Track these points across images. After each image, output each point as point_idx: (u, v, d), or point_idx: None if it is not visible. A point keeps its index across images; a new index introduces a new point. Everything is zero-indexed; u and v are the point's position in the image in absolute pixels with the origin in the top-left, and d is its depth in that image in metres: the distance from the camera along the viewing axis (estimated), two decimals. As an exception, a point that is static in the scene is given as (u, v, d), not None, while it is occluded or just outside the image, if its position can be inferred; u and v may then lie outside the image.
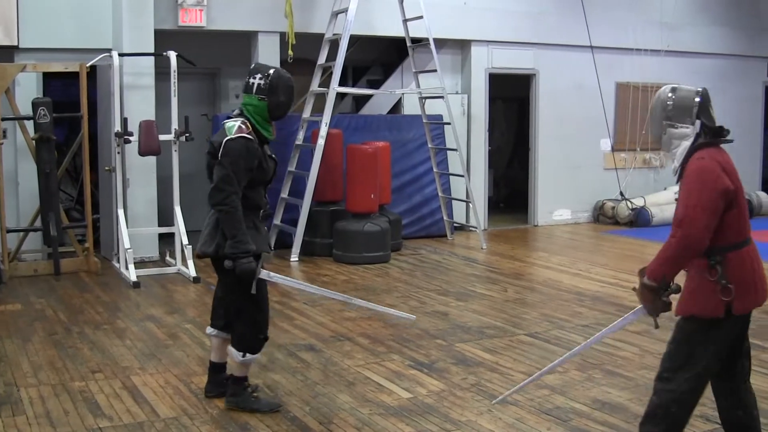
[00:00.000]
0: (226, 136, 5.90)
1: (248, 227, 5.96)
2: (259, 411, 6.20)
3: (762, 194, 18.21)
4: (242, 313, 6.18)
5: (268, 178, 6.27)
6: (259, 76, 6.04)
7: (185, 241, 11.10)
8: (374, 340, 8.19)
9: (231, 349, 6.25)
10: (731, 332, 4.76)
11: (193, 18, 12.58)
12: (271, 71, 6.08)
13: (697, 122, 4.79)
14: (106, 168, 11.67)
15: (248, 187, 5.99)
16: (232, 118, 6.08)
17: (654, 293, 4.65)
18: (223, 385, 6.46)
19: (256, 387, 6.43)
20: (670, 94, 4.87)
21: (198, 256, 6.39)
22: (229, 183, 5.84)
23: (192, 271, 10.87)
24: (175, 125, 11.43)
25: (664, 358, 4.80)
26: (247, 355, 6.20)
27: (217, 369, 6.54)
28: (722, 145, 4.86)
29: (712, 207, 4.55)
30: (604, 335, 5.50)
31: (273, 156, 6.29)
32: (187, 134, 11.41)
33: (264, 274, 6.08)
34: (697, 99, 4.81)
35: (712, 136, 4.78)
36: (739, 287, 4.65)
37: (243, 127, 5.96)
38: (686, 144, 4.79)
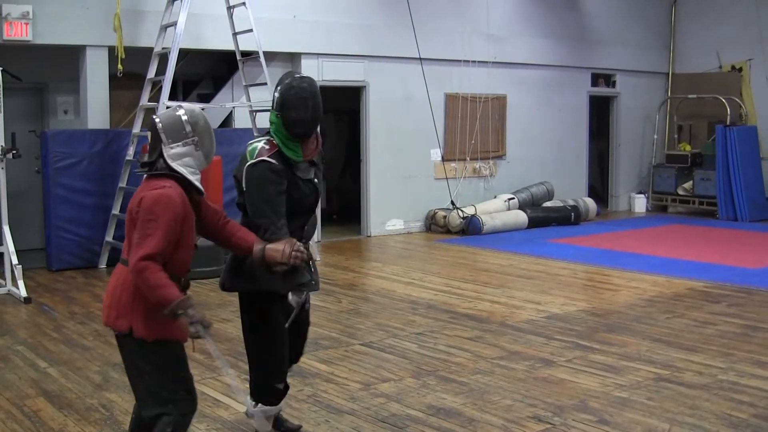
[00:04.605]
0: (247, 161, 5.21)
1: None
2: None
3: (588, 200, 18.81)
4: (254, 354, 5.65)
5: (306, 206, 5.45)
6: (278, 87, 5.17)
7: (15, 260, 10.84)
8: (210, 355, 8.16)
9: (246, 398, 5.74)
10: None
11: (18, 32, 12.30)
12: (285, 81, 5.18)
13: None
14: (-71, 187, 11.30)
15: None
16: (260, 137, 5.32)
17: None
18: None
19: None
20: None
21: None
22: (263, 215, 5.20)
23: (23, 292, 10.61)
24: (1, 142, 11.12)
25: None
26: (260, 405, 5.57)
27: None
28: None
29: None
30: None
31: (313, 179, 5.41)
32: (14, 151, 11.13)
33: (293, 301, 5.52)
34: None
35: None
36: None
37: (267, 148, 5.18)
38: None
